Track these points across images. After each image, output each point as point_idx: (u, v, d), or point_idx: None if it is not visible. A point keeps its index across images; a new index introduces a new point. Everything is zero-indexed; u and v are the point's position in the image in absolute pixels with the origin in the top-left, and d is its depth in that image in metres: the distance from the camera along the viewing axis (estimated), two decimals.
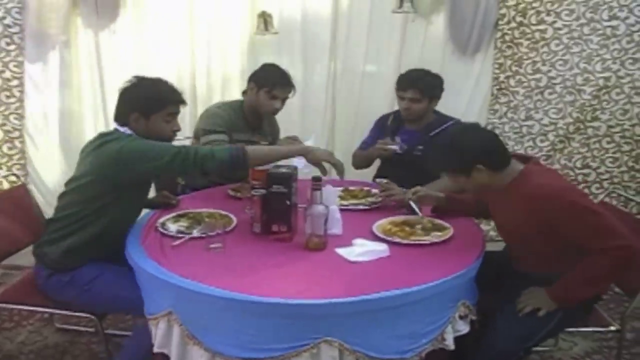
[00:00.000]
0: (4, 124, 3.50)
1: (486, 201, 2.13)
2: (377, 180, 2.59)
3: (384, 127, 2.97)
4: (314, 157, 2.18)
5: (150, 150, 1.98)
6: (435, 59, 3.62)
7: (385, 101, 3.66)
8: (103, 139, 2.06)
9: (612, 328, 2.12)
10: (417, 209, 2.23)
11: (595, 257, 1.80)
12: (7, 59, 3.41)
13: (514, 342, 1.90)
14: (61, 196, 2.13)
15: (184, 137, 2.58)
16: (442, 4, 3.60)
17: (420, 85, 2.73)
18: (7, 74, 3.43)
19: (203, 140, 2.66)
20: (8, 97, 3.46)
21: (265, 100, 2.77)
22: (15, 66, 3.43)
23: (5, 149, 3.52)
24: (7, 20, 3.35)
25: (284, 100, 2.82)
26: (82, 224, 2.05)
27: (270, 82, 2.75)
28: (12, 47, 3.40)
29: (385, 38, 3.71)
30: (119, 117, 2.14)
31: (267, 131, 2.99)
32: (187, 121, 3.45)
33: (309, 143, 2.49)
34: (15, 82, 3.45)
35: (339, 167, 2.21)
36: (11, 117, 3.50)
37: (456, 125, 2.75)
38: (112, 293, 2.04)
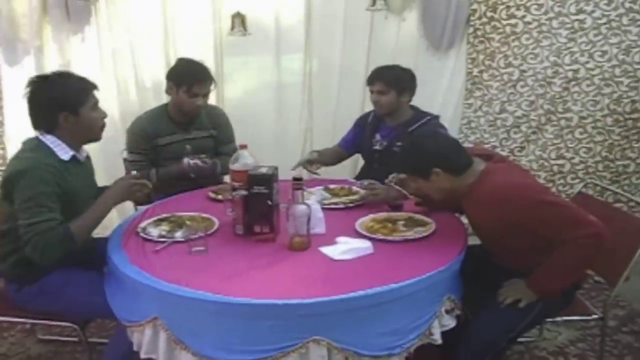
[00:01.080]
0: None
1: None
2: (360, 181, 2.58)
3: (364, 125, 2.97)
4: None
5: (24, 210, 1.88)
6: (410, 55, 3.63)
7: (361, 99, 3.66)
8: (16, 162, 1.98)
9: (595, 316, 2.15)
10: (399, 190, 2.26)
11: (566, 247, 1.81)
12: None
13: (497, 333, 1.90)
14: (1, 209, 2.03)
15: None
16: (414, 0, 3.61)
17: (386, 77, 2.76)
18: None
19: (124, 155, 2.74)
20: None
21: (186, 100, 2.71)
22: None
23: None
24: None
25: (205, 95, 2.76)
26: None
27: (187, 80, 2.68)
28: None
29: (360, 36, 3.70)
30: (42, 124, 2.02)
31: (207, 124, 2.90)
32: None
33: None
34: None
35: None
36: None
37: (433, 120, 2.78)
38: (85, 299, 1.99)
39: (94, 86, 2.08)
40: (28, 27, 3.45)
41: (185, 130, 2.83)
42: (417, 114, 2.83)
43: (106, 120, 2.14)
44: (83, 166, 2.14)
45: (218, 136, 2.92)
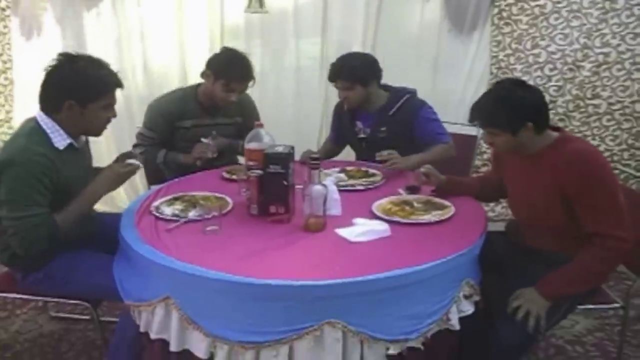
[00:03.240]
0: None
1: (495, 181, 2.18)
2: (378, 153, 2.52)
3: (341, 115, 2.92)
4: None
5: (9, 202, 1.85)
6: (432, 38, 3.62)
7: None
8: (6, 147, 1.94)
9: (616, 305, 2.12)
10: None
11: (592, 248, 1.80)
12: (4, 42, 3.41)
13: (524, 337, 1.85)
14: None
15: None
16: None
17: (346, 73, 2.66)
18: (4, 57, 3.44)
19: (140, 130, 2.78)
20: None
21: (221, 93, 2.68)
22: (8, 49, 3.44)
23: None
24: (2, 4, 3.35)
25: (242, 91, 2.73)
26: None
27: (228, 75, 2.65)
28: (6, 30, 3.41)
29: (382, 19, 3.66)
30: (47, 105, 1.95)
31: (234, 111, 2.87)
32: None
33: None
34: (8, 65, 3.46)
35: None
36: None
37: (414, 98, 2.74)
38: (92, 282, 1.98)
39: (117, 85, 2.03)
40: (43, 2, 3.49)
41: (212, 116, 2.82)
42: (393, 96, 2.76)
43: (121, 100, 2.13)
44: (79, 152, 2.08)
45: (244, 123, 2.88)
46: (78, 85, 1.92)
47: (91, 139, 2.19)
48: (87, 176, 2.08)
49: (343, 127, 2.93)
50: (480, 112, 1.95)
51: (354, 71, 2.66)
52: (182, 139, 2.81)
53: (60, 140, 1.95)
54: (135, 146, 2.82)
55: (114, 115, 2.05)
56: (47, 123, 1.94)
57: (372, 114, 2.78)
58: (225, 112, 2.84)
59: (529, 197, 2.00)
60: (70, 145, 1.98)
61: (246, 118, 2.89)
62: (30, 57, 3.53)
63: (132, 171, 2.07)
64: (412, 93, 2.78)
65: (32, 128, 1.94)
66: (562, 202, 1.87)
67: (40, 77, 1.95)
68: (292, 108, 3.87)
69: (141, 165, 2.14)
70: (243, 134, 2.83)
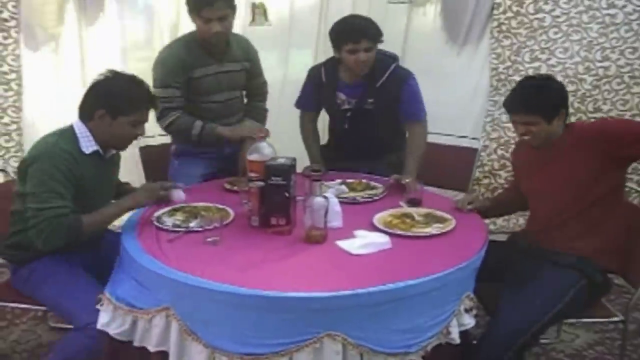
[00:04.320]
0: (2, 117, 3.47)
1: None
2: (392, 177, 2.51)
3: (319, 84, 2.80)
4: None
5: (35, 195, 1.92)
6: (428, 49, 3.66)
7: None
8: (37, 144, 2.05)
9: (616, 319, 2.14)
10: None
11: None
12: (5, 52, 3.39)
13: (518, 326, 1.91)
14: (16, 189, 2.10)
15: None
16: None
17: (371, 33, 2.55)
18: (5, 68, 3.40)
19: (155, 92, 2.33)
20: (6, 90, 3.43)
21: (202, 26, 2.56)
22: (12, 60, 3.41)
23: (2, 141, 3.49)
24: (5, 15, 3.33)
25: (222, 19, 2.54)
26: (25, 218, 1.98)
27: (195, 4, 2.55)
28: (10, 40, 3.37)
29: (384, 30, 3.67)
30: (84, 112, 2.07)
31: (240, 55, 2.78)
32: None
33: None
34: (13, 76, 3.43)
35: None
36: (9, 110, 3.46)
37: (398, 65, 2.73)
38: (57, 300, 2.03)
39: (152, 105, 2.16)
40: (49, 14, 3.49)
41: (219, 62, 2.71)
42: (380, 64, 2.66)
43: None
44: (105, 162, 2.16)
45: (251, 69, 2.84)
46: (113, 97, 2.04)
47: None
48: (108, 186, 2.22)
49: (322, 96, 2.82)
50: (523, 100, 2.07)
51: (377, 32, 2.57)
52: (192, 93, 2.69)
53: (88, 145, 2.05)
54: (162, 114, 2.63)
55: (143, 133, 2.16)
56: (80, 128, 2.06)
57: (355, 85, 2.69)
58: (230, 56, 2.74)
59: (557, 183, 2.10)
60: (96, 152, 2.08)
61: (253, 62, 2.85)
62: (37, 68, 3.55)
63: (165, 197, 2.20)
64: (397, 60, 2.75)
65: (65, 130, 2.07)
66: (610, 162, 2.00)
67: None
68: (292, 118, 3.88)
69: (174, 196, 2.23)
70: (248, 78, 2.87)
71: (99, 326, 1.81)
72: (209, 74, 2.69)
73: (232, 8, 2.60)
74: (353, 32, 2.54)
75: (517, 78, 3.51)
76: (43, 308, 2.23)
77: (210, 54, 2.68)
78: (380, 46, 2.66)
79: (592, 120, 2.12)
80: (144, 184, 2.21)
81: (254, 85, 2.90)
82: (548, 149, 2.10)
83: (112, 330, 1.78)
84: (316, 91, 2.84)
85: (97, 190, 2.10)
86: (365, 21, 2.61)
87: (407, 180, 2.38)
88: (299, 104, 2.92)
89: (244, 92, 2.94)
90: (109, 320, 1.80)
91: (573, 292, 1.99)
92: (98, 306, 1.82)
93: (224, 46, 2.70)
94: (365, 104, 2.69)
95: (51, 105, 3.56)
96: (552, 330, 2.33)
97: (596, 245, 2.06)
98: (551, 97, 2.06)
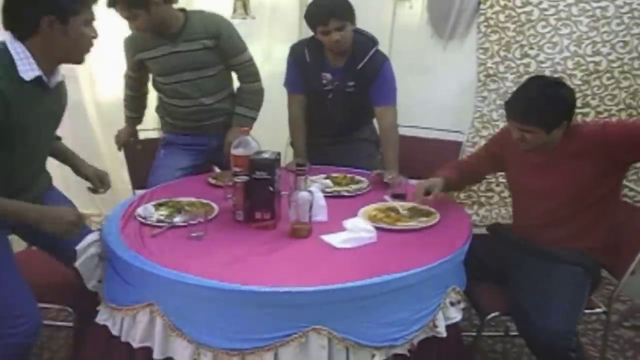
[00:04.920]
0: None
1: (476, 171, 2.39)
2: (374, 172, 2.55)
3: (304, 63, 2.79)
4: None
5: None
6: (413, 43, 3.64)
7: None
8: None
9: (599, 310, 2.16)
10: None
11: None
12: None
13: (564, 329, 1.87)
14: None
15: None
16: None
17: (339, 11, 2.54)
18: None
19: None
20: None
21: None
22: None
23: None
24: None
25: (134, 17, 2.49)
26: None
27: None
28: None
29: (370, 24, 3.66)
30: (18, 24, 1.70)
31: (200, 34, 2.65)
32: None
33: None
34: None
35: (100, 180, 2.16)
36: None
37: (379, 54, 2.72)
38: None
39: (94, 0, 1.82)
40: None
41: (173, 42, 2.64)
42: (360, 48, 2.69)
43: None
44: (49, 93, 1.84)
45: (220, 46, 2.70)
46: None
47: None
48: (51, 121, 1.91)
49: (306, 77, 2.82)
50: (525, 110, 1.99)
51: (347, 9, 2.57)
52: (153, 74, 2.80)
53: (27, 70, 1.71)
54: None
55: (96, 36, 1.82)
56: (16, 47, 1.70)
57: (340, 67, 2.73)
58: (186, 35, 2.65)
59: (558, 185, 2.07)
60: (38, 78, 1.75)
61: (221, 39, 2.68)
62: None
63: (77, 227, 1.82)
64: (377, 44, 2.75)
65: None
66: (613, 166, 2.01)
67: None
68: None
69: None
70: (216, 60, 2.72)
71: (100, 321, 1.81)
72: (158, 55, 2.67)
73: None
74: (321, 13, 2.56)
75: (509, 75, 3.52)
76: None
77: (162, 35, 2.64)
78: None
79: (593, 121, 2.04)
80: (64, 210, 1.83)
81: (233, 64, 2.78)
82: (547, 151, 2.07)
83: (112, 329, 1.78)
84: (301, 72, 2.83)
85: (37, 129, 1.78)
86: (332, 1, 2.59)
87: (389, 177, 2.40)
88: (287, 84, 2.91)
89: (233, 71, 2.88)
90: (107, 317, 1.81)
91: (587, 289, 2.03)
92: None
93: (180, 27, 2.64)
94: (347, 87, 2.73)
95: None
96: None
97: (591, 243, 2.08)
98: (555, 110, 1.98)
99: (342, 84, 2.74)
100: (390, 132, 2.76)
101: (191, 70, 2.69)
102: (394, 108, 2.76)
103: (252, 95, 2.84)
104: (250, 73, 2.82)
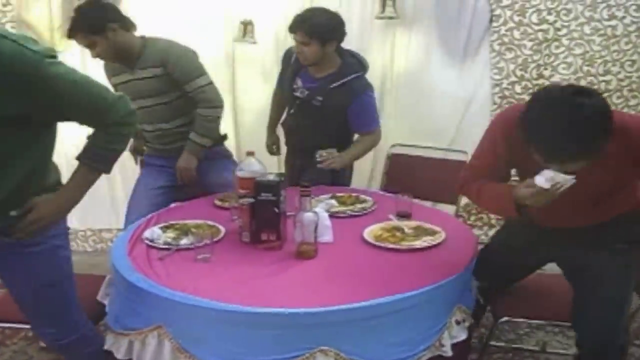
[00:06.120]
0: None
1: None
2: (318, 152, 2.76)
3: (289, 62, 2.93)
4: None
5: None
6: (423, 64, 3.60)
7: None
8: None
9: None
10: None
11: None
12: None
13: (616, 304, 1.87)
14: None
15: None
16: (427, 7, 3.54)
17: (307, 26, 2.62)
18: None
19: None
20: None
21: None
22: None
23: None
24: None
25: (90, 45, 2.58)
26: None
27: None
28: None
29: (371, 46, 3.64)
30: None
31: (152, 61, 2.66)
32: None
33: None
34: None
35: None
36: None
37: (361, 80, 2.79)
38: None
39: None
40: (47, 34, 3.52)
41: (131, 70, 2.71)
42: (343, 69, 2.78)
43: None
44: None
45: (169, 74, 2.68)
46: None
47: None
48: None
49: (284, 75, 2.99)
50: (578, 151, 1.62)
51: (317, 28, 2.63)
52: None
53: None
54: None
55: None
56: None
57: (316, 78, 2.81)
58: (141, 63, 2.69)
59: (590, 189, 1.79)
60: None
61: (171, 66, 2.66)
62: None
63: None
64: (361, 73, 2.81)
65: None
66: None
67: None
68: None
69: None
70: (169, 87, 2.71)
71: (107, 347, 1.82)
72: (121, 82, 2.75)
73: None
74: (294, 22, 2.68)
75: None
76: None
77: (123, 62, 2.71)
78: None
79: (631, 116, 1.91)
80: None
81: (187, 91, 2.72)
82: None
83: (116, 353, 1.79)
84: (283, 71, 3.02)
85: None
86: (309, 13, 2.69)
87: (323, 153, 2.67)
88: (277, 84, 3.14)
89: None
90: (113, 342, 1.82)
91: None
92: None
93: (137, 55, 2.69)
94: (314, 100, 2.80)
95: None
96: None
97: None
98: (605, 137, 1.61)
99: (311, 96, 2.81)
100: (362, 139, 2.91)
101: (146, 98, 2.72)
102: (372, 133, 2.89)
103: (204, 122, 2.76)
104: (203, 99, 2.73)
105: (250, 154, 2.21)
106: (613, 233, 1.93)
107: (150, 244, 2.06)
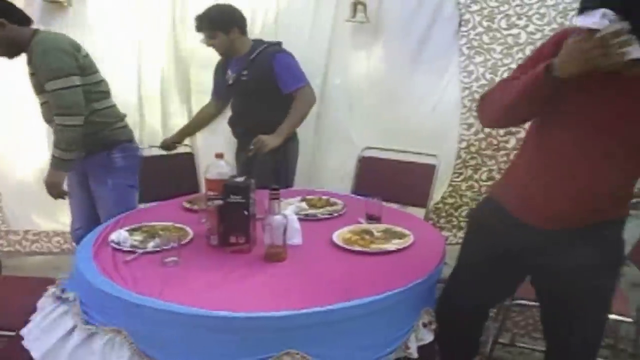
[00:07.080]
0: None
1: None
2: (250, 147, 2.92)
3: (218, 69, 3.31)
4: None
5: None
6: (394, 69, 3.60)
7: (344, 115, 3.65)
8: None
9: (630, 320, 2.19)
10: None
11: None
12: None
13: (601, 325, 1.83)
14: None
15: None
16: (396, 12, 3.53)
17: (205, 24, 3.01)
18: None
19: None
20: None
21: None
22: None
23: None
24: None
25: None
26: None
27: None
28: None
29: (342, 50, 3.64)
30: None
31: (30, 57, 2.57)
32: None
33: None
34: None
35: None
36: None
37: (273, 46, 3.11)
38: None
39: None
40: None
41: (29, 64, 2.61)
42: (256, 43, 3.13)
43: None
44: None
45: (37, 72, 2.56)
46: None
47: None
48: None
49: (219, 80, 3.30)
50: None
51: (213, 20, 3.00)
52: None
53: None
54: None
55: None
56: None
57: (238, 60, 3.13)
58: (29, 59, 2.59)
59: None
60: None
61: (34, 65, 2.55)
62: None
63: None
64: (275, 42, 3.16)
65: None
66: None
67: None
68: None
69: None
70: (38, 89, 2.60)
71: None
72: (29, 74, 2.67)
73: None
74: (195, 25, 3.06)
75: None
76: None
77: (13, 57, 2.64)
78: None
79: None
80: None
81: (47, 92, 2.53)
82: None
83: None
84: (216, 78, 3.34)
85: None
86: (204, 12, 3.03)
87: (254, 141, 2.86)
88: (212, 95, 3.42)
89: None
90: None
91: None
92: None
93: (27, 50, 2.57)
94: (242, 76, 3.09)
95: None
96: None
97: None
98: None
99: (239, 75, 3.10)
100: (294, 106, 3.03)
101: (37, 95, 2.66)
102: (302, 89, 3.05)
103: (58, 132, 2.51)
104: (54, 105, 2.50)
105: (219, 156, 2.19)
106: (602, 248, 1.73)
107: (117, 247, 2.02)
